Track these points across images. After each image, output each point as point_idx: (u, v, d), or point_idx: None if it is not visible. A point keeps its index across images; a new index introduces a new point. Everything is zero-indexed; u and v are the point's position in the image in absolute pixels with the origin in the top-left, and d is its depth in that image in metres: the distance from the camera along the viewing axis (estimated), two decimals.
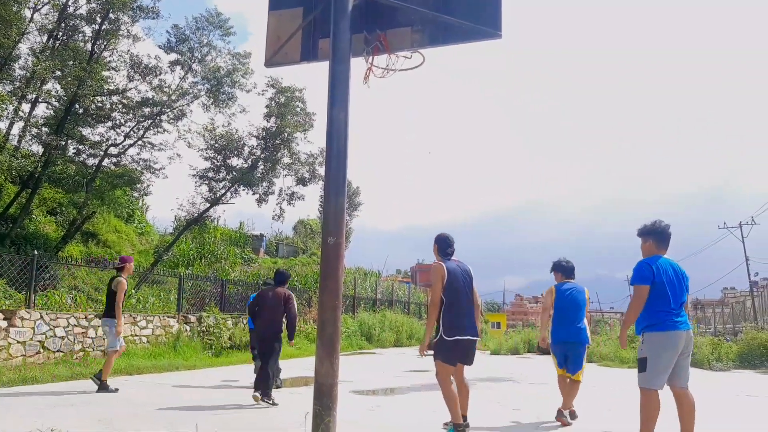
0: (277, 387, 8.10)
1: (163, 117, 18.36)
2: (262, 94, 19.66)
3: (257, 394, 7.02)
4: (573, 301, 6.51)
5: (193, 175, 19.48)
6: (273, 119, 19.58)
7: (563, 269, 6.81)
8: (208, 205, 19.80)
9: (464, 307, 5.25)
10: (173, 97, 18.19)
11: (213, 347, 13.66)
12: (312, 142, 20.47)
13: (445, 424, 5.48)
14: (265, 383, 7.14)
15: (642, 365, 4.62)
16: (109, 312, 8.07)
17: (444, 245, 5.52)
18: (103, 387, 7.78)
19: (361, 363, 14.18)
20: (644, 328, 4.69)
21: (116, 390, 7.84)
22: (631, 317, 4.78)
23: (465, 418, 5.35)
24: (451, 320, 5.12)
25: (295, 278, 24.03)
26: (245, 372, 11.16)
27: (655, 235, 4.90)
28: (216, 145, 19.44)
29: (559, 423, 6.14)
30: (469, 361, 5.34)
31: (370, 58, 5.09)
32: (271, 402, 7.07)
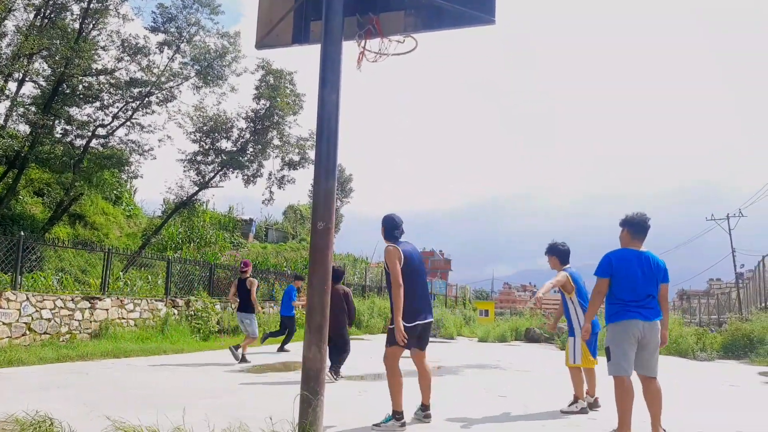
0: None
1: (152, 98, 18.13)
2: (254, 74, 19.46)
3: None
4: (585, 290, 6.37)
5: (182, 160, 19.30)
6: (262, 101, 19.40)
7: (558, 252, 6.55)
8: (196, 188, 19.64)
9: (421, 291, 5.18)
10: (162, 78, 17.94)
11: (201, 331, 13.63)
12: (301, 125, 20.33)
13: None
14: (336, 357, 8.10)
15: (608, 355, 4.81)
16: (244, 307, 10.38)
17: (391, 226, 5.29)
18: (243, 359, 10.04)
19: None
20: (606, 320, 4.93)
21: (249, 361, 10.08)
22: (592, 309, 5.13)
23: (427, 407, 5.26)
24: (410, 305, 4.95)
25: (284, 264, 24.01)
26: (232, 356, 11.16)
27: (631, 225, 5.02)
28: (205, 127, 19.24)
29: (545, 409, 6.20)
30: (424, 344, 5.20)
31: (363, 41, 5.03)
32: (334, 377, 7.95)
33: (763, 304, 24.20)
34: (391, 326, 4.99)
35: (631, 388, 4.63)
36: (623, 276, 4.80)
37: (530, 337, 20.55)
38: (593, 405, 6.27)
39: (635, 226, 4.99)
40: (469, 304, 35.25)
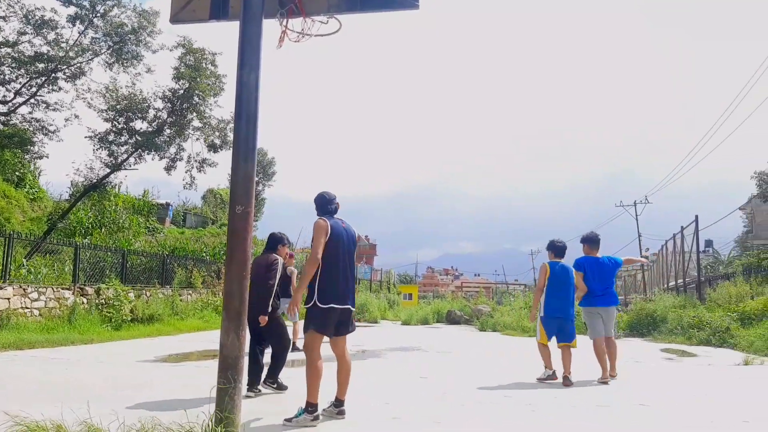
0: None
1: (59, 74, 16.92)
2: (172, 51, 18.55)
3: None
4: (567, 279, 7.16)
5: (91, 137, 18.15)
6: (182, 81, 18.55)
7: (556, 249, 7.36)
8: (108, 170, 18.58)
9: (344, 273, 4.80)
10: (71, 54, 16.77)
11: (113, 320, 12.99)
12: (222, 107, 19.63)
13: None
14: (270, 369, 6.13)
15: (586, 327, 7.48)
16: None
17: (323, 202, 5.01)
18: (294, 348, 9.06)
19: None
20: (580, 305, 7.44)
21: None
22: (579, 292, 7.31)
23: (341, 402, 4.84)
24: (329, 285, 4.67)
25: (204, 249, 23.29)
26: (146, 346, 10.74)
27: (589, 241, 7.51)
28: (118, 106, 18.18)
29: (464, 389, 6.36)
30: (346, 330, 4.87)
31: (285, 20, 4.88)
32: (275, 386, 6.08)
33: (665, 286, 26.01)
34: (306, 306, 4.71)
35: (603, 346, 7.13)
36: (589, 275, 7.29)
37: (451, 319, 21.10)
38: (551, 377, 7.12)
39: (592, 242, 7.49)
40: (393, 288, 35.69)
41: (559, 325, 7.09)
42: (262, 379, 6.05)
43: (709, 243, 39.41)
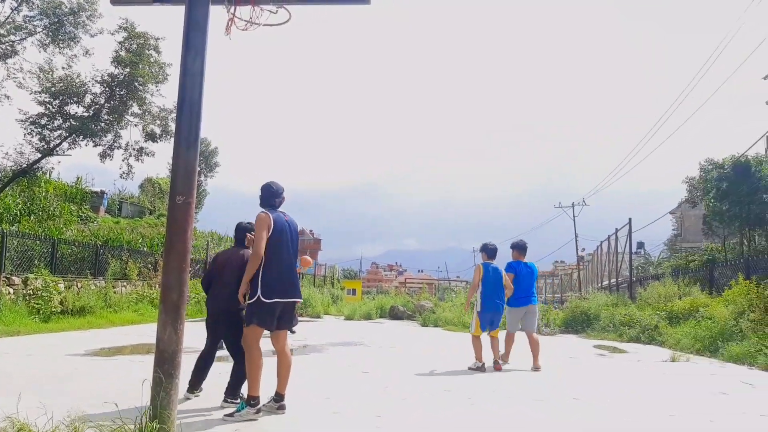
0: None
1: None
2: (113, 35, 17.78)
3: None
4: (499, 279, 8.13)
5: (22, 120, 17.21)
6: (122, 66, 17.81)
7: (489, 251, 8.38)
8: (39, 155, 17.68)
9: (287, 266, 4.76)
10: (2, 31, 15.83)
11: (41, 312, 12.38)
12: (165, 96, 18.99)
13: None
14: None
15: (506, 322, 8.53)
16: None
17: (268, 194, 4.91)
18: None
19: None
20: (507, 304, 8.33)
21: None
22: (508, 291, 8.19)
23: (281, 397, 4.77)
24: (272, 279, 4.62)
25: (140, 240, 22.54)
26: (77, 339, 10.29)
27: (518, 248, 8.71)
28: (53, 88, 17.29)
29: (406, 383, 6.41)
30: (290, 324, 4.85)
31: (232, 7, 4.75)
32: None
33: (599, 285, 27.02)
34: (249, 301, 4.64)
35: (514, 338, 8.56)
36: (518, 277, 8.36)
37: (394, 314, 21.22)
38: (480, 369, 7.84)
39: (520, 248, 8.69)
40: (337, 283, 35.58)
41: (491, 318, 8.09)
42: (199, 387, 5.50)
43: (641, 245, 41.26)
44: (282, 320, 4.77)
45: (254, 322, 4.62)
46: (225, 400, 5.02)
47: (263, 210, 4.84)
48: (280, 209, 4.97)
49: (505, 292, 8.15)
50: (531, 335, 8.27)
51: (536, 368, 7.88)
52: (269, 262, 4.65)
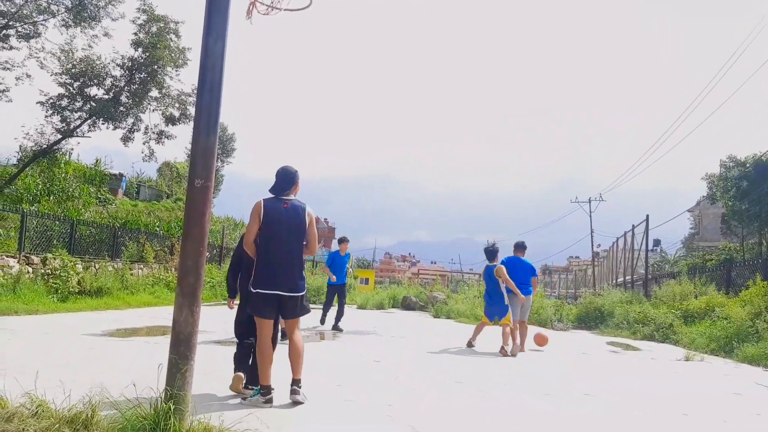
0: None
1: (11, 32, 16.11)
2: (134, 22, 17.89)
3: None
4: (491, 276, 9.38)
5: (43, 103, 17.39)
6: (141, 49, 17.92)
7: (486, 252, 9.67)
8: (59, 136, 17.88)
9: (280, 257, 4.62)
10: (25, 11, 15.97)
11: (59, 291, 12.58)
12: (183, 82, 19.11)
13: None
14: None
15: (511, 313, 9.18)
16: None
17: (278, 180, 4.82)
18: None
19: (223, 314, 13.81)
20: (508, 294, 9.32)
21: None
22: (512, 285, 9.10)
23: (296, 381, 4.67)
24: (261, 270, 4.61)
25: (157, 223, 22.74)
26: (94, 319, 10.44)
27: (518, 248, 9.83)
28: (74, 70, 17.45)
29: (417, 373, 6.43)
30: (288, 314, 4.71)
31: None
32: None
33: (614, 281, 26.83)
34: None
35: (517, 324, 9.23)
36: (512, 271, 9.29)
37: (407, 305, 21.25)
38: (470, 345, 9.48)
39: (520, 248, 9.81)
40: (350, 271, 35.70)
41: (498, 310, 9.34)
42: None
43: (657, 242, 40.88)
44: (285, 310, 4.70)
45: (249, 309, 4.72)
46: (246, 387, 4.95)
47: (263, 198, 4.77)
48: (288, 197, 4.80)
49: (500, 284, 9.18)
50: (522, 323, 9.42)
51: (513, 353, 8.73)
52: (258, 253, 4.67)
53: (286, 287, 4.63)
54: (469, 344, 9.52)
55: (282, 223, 4.66)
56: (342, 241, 11.82)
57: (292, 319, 4.77)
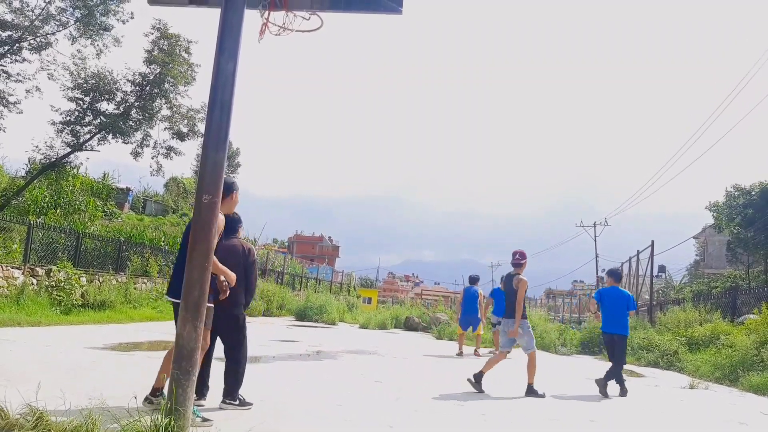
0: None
1: (24, 44, 16.36)
2: (147, 37, 18.17)
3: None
4: (473, 298, 12.60)
5: (54, 122, 17.59)
6: (153, 66, 18.17)
7: (470, 278, 12.73)
8: (68, 149, 18.05)
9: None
10: (36, 23, 16.22)
11: (63, 304, 12.58)
12: (191, 98, 19.36)
13: None
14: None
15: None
16: (510, 311, 7.69)
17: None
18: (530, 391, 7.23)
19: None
20: (493, 312, 11.76)
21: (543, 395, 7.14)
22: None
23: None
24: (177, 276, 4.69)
25: (163, 238, 22.82)
26: (96, 332, 10.44)
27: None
28: (85, 84, 17.68)
29: (418, 395, 6.39)
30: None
31: (266, 12, 4.83)
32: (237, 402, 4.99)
33: None
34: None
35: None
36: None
37: (409, 325, 21.14)
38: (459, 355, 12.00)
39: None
40: (353, 290, 35.61)
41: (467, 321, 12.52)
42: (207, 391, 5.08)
43: (662, 268, 40.63)
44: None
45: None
46: (224, 401, 4.93)
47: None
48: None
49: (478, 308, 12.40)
50: (495, 334, 11.91)
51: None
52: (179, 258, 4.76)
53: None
54: (459, 354, 11.98)
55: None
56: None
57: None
